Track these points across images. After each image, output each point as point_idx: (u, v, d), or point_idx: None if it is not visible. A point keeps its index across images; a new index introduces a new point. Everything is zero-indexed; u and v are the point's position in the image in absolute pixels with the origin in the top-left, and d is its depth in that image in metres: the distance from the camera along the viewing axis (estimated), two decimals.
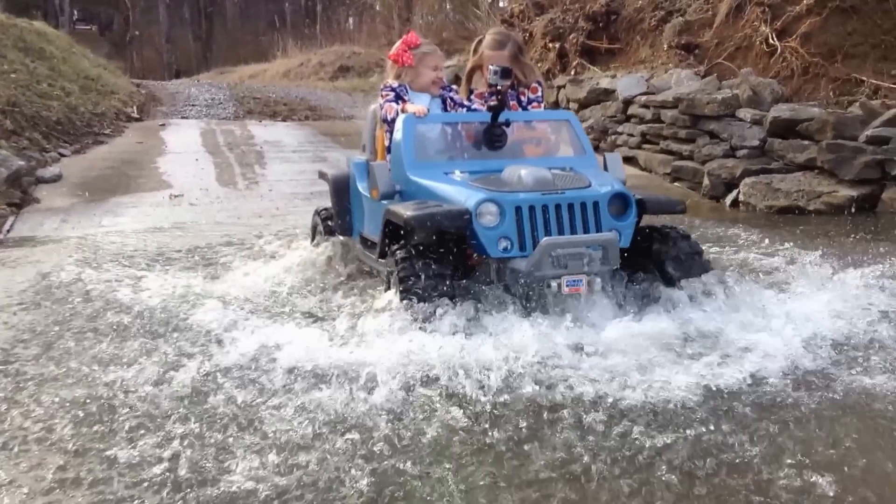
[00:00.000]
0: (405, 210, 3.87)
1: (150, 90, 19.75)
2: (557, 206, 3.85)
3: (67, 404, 3.19)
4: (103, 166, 10.25)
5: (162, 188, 8.97)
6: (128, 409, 3.12)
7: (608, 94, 10.27)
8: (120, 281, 5.02)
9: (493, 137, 4.40)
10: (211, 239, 6.42)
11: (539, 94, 4.86)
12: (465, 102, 4.81)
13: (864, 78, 8.17)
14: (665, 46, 10.23)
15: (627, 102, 9.75)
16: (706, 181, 8.21)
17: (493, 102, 4.47)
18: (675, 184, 8.74)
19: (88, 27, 44.57)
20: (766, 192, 7.54)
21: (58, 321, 4.27)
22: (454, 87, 4.89)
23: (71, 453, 2.80)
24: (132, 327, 4.13)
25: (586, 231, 3.85)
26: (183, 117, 15.90)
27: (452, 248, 3.94)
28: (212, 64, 39.25)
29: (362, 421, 2.97)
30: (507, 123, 4.41)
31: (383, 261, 4.21)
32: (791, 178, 7.55)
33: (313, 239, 5.64)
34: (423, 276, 3.72)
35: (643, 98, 9.50)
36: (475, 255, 4.01)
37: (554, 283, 3.74)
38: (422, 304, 3.64)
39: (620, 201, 3.97)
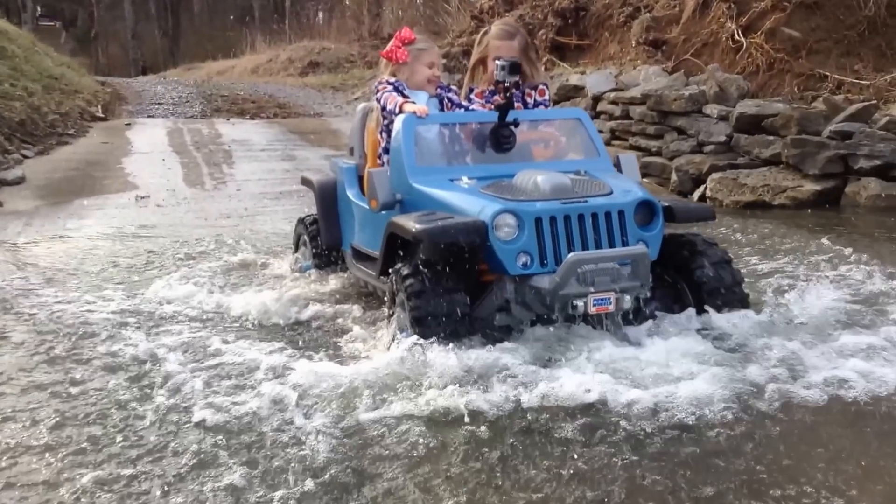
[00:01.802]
0: (413, 223, 3.48)
1: (116, 88, 19.53)
2: (580, 217, 3.50)
3: None
4: (67, 168, 10.12)
5: (128, 189, 8.88)
6: None
7: (578, 90, 10.30)
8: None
9: (500, 139, 3.99)
10: (179, 247, 6.34)
11: (546, 97, 4.46)
12: (464, 104, 4.43)
13: (827, 73, 8.26)
14: (633, 43, 10.27)
15: (597, 99, 9.79)
16: (674, 177, 8.26)
17: (498, 100, 4.11)
18: (644, 179, 8.78)
19: (52, 23, 43.90)
20: (732, 188, 7.61)
21: None
22: (453, 87, 4.54)
23: None
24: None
25: (611, 243, 3.50)
26: (149, 116, 15.74)
27: (465, 265, 3.57)
28: (179, 60, 38.88)
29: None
30: (516, 123, 3.99)
31: (384, 277, 3.89)
32: (757, 174, 7.62)
33: (296, 251, 5.35)
34: (437, 305, 3.39)
35: (612, 94, 9.53)
36: (489, 271, 3.66)
37: (580, 303, 3.39)
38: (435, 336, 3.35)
39: (646, 209, 3.63)
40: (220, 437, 2.91)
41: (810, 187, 7.29)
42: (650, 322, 3.66)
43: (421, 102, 4.24)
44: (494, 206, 3.49)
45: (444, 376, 3.19)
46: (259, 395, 3.20)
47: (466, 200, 3.63)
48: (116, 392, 3.35)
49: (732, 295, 3.74)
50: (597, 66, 10.61)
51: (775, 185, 7.44)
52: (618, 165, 4.11)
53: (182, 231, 6.76)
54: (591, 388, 3.10)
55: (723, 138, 8.05)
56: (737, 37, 8.90)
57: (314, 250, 4.98)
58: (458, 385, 3.13)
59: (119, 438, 2.94)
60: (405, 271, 3.52)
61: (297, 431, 2.92)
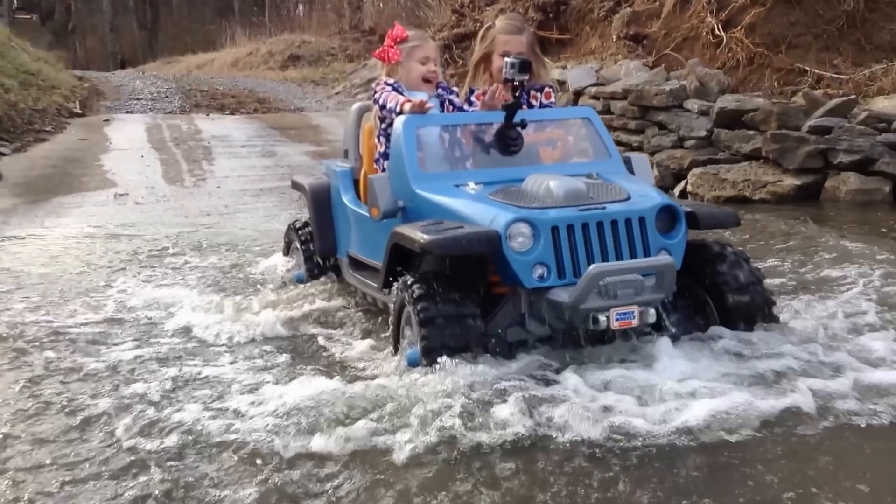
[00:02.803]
0: (420, 233, 3.24)
1: (94, 83, 19.33)
2: (599, 224, 3.27)
3: None
4: (45, 165, 10.03)
5: (106, 187, 8.81)
6: None
7: (559, 85, 10.27)
8: None
9: (507, 141, 3.74)
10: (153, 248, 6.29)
11: (552, 100, 4.20)
12: (466, 107, 4.15)
13: (806, 68, 8.30)
14: (614, 37, 10.28)
15: (578, 94, 9.78)
16: (655, 172, 8.27)
17: (505, 96, 3.86)
18: None
19: (29, 16, 43.51)
20: (713, 183, 7.64)
21: None
22: (454, 88, 4.26)
23: None
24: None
25: (632, 253, 3.28)
26: (128, 112, 15.59)
27: (476, 278, 3.36)
28: (158, 53, 38.53)
29: None
30: (524, 124, 3.75)
31: (386, 289, 3.68)
32: (737, 168, 7.65)
33: (287, 252, 5.11)
34: (447, 320, 3.17)
35: (593, 89, 9.54)
36: (500, 283, 3.43)
37: (602, 317, 3.15)
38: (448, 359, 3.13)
39: (667, 215, 3.40)
40: (191, 459, 2.76)
41: (790, 182, 7.33)
42: (669, 335, 3.44)
43: None
44: (507, 215, 3.25)
45: (452, 395, 2.99)
46: (241, 417, 3.03)
47: (475, 208, 3.39)
48: (79, 411, 3.18)
49: (759, 308, 3.52)
50: (578, 61, 10.61)
51: (756, 180, 7.47)
52: (629, 167, 3.88)
53: (162, 230, 6.70)
54: (605, 406, 2.93)
55: (703, 133, 8.08)
56: (717, 31, 8.92)
57: (306, 258, 4.74)
58: (464, 408, 2.92)
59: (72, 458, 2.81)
60: (413, 287, 3.27)
61: (279, 460, 2.73)
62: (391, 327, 3.51)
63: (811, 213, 6.71)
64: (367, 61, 20.36)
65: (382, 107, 4.00)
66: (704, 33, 9.07)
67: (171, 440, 2.89)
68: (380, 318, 4.09)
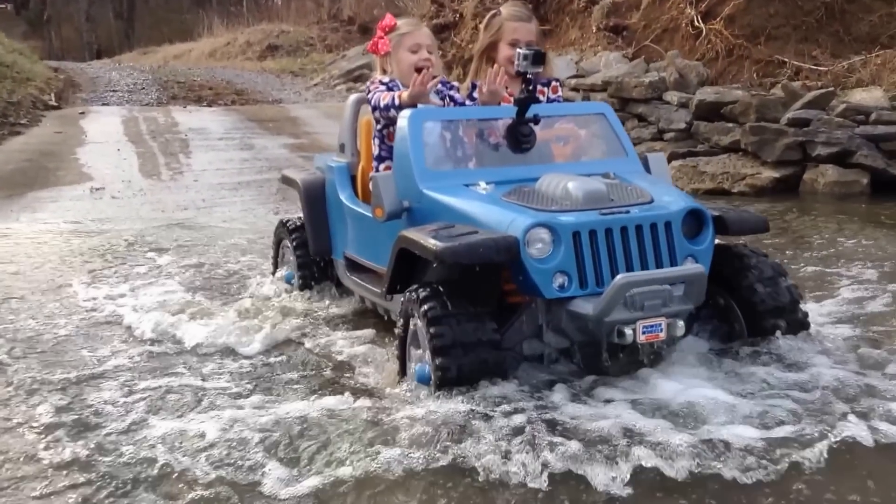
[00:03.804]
0: (431, 238, 2.98)
1: (69, 75, 19.12)
2: (623, 230, 3.04)
3: None
4: (20, 159, 9.89)
5: (82, 181, 8.70)
6: None
7: None
8: None
9: (519, 138, 3.49)
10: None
11: (559, 94, 3.97)
12: (468, 102, 3.84)
13: (785, 59, 8.32)
14: (594, 28, 10.26)
15: None
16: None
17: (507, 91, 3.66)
18: None
19: (3, 5, 42.90)
20: (692, 175, 7.65)
21: None
22: (455, 83, 3.96)
23: None
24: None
25: (658, 260, 3.06)
26: (104, 104, 15.43)
27: (489, 288, 3.14)
28: (134, 43, 38.18)
29: None
30: (537, 120, 3.49)
31: (386, 295, 3.47)
32: (716, 161, 7.67)
33: (276, 263, 4.76)
34: (462, 333, 2.92)
35: (573, 81, 9.52)
36: (515, 292, 3.18)
37: (628, 330, 2.92)
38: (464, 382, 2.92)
39: (694, 219, 3.17)
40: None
41: (769, 174, 7.35)
42: (690, 345, 3.26)
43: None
44: (525, 219, 2.99)
45: (463, 416, 2.78)
46: (209, 442, 2.77)
47: (489, 211, 3.14)
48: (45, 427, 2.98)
49: (791, 315, 3.31)
50: (557, 52, 10.58)
51: (734, 172, 7.49)
52: (646, 165, 3.65)
53: (139, 225, 6.62)
54: (627, 426, 2.72)
55: (682, 125, 8.08)
56: (696, 23, 8.94)
57: (299, 259, 4.43)
58: (477, 431, 2.70)
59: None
60: (426, 307, 2.99)
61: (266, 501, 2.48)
62: (396, 341, 3.23)
63: (792, 206, 6.73)
64: (346, 52, 20.28)
65: (376, 108, 3.74)
66: (684, 24, 9.08)
67: (135, 455, 2.71)
68: (380, 324, 3.88)
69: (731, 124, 7.73)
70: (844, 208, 6.63)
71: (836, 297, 4.28)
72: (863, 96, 7.52)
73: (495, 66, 3.70)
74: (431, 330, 2.93)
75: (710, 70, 8.51)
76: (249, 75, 19.95)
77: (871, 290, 4.36)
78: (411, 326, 3.13)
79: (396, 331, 3.22)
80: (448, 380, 2.91)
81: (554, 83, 3.95)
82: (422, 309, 2.99)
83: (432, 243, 2.94)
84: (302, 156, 9.86)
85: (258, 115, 13.42)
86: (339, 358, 3.60)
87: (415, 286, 3.12)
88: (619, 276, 2.89)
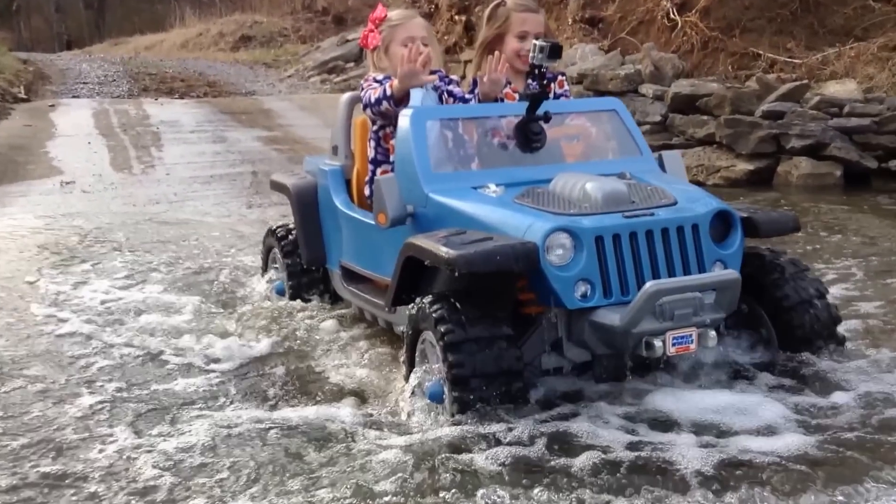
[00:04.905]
0: (442, 246, 2.76)
1: (39, 67, 18.81)
2: (648, 234, 2.85)
3: None
4: None
5: (52, 175, 8.57)
6: None
7: None
8: None
9: (529, 136, 3.27)
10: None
11: (566, 88, 3.76)
12: (468, 96, 3.59)
13: (760, 52, 8.35)
14: (570, 20, 10.24)
15: None
16: None
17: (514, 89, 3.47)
18: None
19: None
20: None
21: None
22: (454, 77, 3.72)
23: None
24: None
25: (685, 266, 2.87)
26: (74, 96, 15.20)
27: (505, 299, 2.94)
28: (105, 34, 37.65)
29: None
30: (547, 117, 3.27)
31: (391, 307, 3.27)
32: (691, 153, 7.69)
33: (265, 270, 4.51)
34: (489, 383, 2.72)
35: None
36: (531, 302, 2.99)
37: (657, 342, 2.74)
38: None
39: (721, 221, 2.99)
40: None
41: (743, 167, 7.39)
42: (717, 355, 3.09)
43: (414, 100, 3.37)
44: (544, 224, 2.78)
45: (480, 448, 2.58)
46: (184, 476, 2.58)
47: (502, 215, 2.93)
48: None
49: (825, 327, 3.14)
50: None
51: (709, 164, 7.53)
52: (661, 164, 3.45)
53: (110, 219, 6.53)
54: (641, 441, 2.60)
55: (658, 118, 8.09)
56: (672, 15, 8.94)
57: (289, 268, 4.17)
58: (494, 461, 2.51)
59: None
60: (442, 327, 2.76)
61: None
62: (404, 355, 3.04)
63: (766, 199, 6.76)
64: (320, 43, 20.12)
65: (367, 105, 3.48)
66: (659, 17, 9.09)
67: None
68: (381, 339, 3.67)
69: (706, 117, 7.76)
70: (819, 200, 6.67)
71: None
72: (836, 89, 7.57)
73: (496, 53, 3.47)
74: (450, 357, 2.72)
75: (685, 63, 8.53)
76: (222, 67, 19.72)
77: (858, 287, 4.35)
78: (421, 342, 2.93)
79: (403, 351, 3.04)
80: (466, 410, 2.72)
81: (560, 78, 3.75)
82: (438, 329, 2.76)
83: (444, 251, 2.73)
84: (276, 149, 9.78)
85: (231, 108, 13.26)
86: (336, 377, 3.35)
87: (426, 299, 2.90)
88: (649, 284, 2.71)
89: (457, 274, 2.72)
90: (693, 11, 8.80)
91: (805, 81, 7.66)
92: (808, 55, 8.14)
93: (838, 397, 2.91)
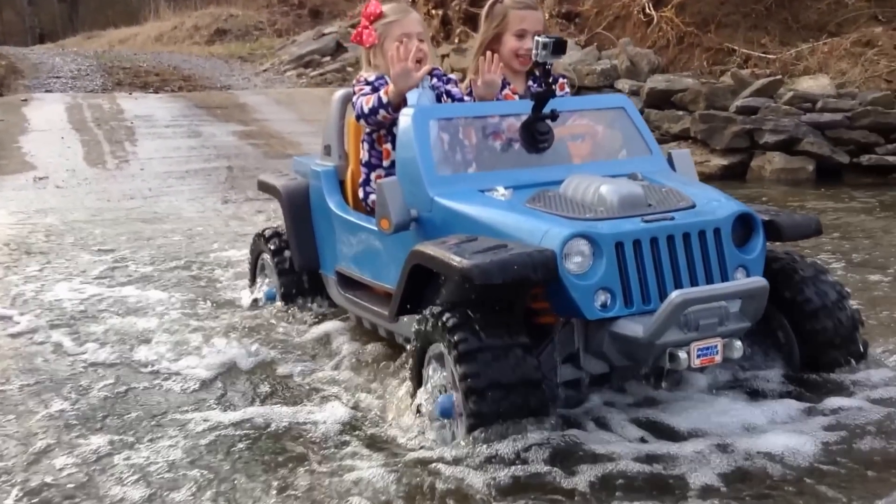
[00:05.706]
0: (453, 254, 2.60)
1: (11, 61, 18.53)
2: (669, 239, 2.69)
3: None
4: None
5: (25, 170, 8.51)
6: None
7: None
8: None
9: (536, 136, 3.12)
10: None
11: (566, 90, 3.62)
12: (466, 98, 3.44)
13: (735, 47, 8.41)
14: (547, 15, 10.25)
15: None
16: None
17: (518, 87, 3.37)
18: None
19: None
20: None
21: None
22: (452, 76, 3.58)
23: None
24: None
25: (708, 272, 2.72)
26: (47, 91, 15.02)
27: (518, 308, 2.79)
28: (78, 27, 37.20)
29: None
30: (554, 116, 3.11)
31: (395, 317, 3.11)
32: (666, 149, 7.70)
33: (253, 278, 4.29)
34: (507, 395, 2.55)
35: None
36: (546, 312, 2.84)
37: (682, 354, 2.60)
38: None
39: (742, 225, 2.83)
40: None
41: (717, 162, 7.46)
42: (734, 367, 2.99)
43: (411, 102, 3.21)
44: (562, 230, 2.62)
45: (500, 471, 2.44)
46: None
47: (515, 220, 2.77)
48: None
49: (848, 336, 3.01)
50: None
51: None
52: (670, 164, 3.31)
53: (84, 215, 6.48)
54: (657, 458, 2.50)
55: None
56: (648, 10, 8.98)
57: (280, 273, 3.99)
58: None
59: None
60: (454, 327, 2.60)
61: None
62: (409, 372, 2.88)
63: (741, 194, 6.81)
64: (296, 36, 20.01)
65: (360, 116, 3.32)
66: (635, 12, 9.12)
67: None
68: (375, 345, 3.52)
69: (681, 112, 7.82)
70: (797, 195, 6.74)
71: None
72: (810, 84, 7.64)
73: (488, 54, 3.32)
74: (464, 368, 2.55)
75: (661, 58, 8.57)
76: (197, 60, 19.55)
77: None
78: (429, 355, 2.77)
79: (409, 360, 2.88)
80: (482, 425, 2.55)
81: (561, 80, 3.59)
82: (451, 339, 2.60)
83: (457, 260, 2.55)
84: (252, 144, 9.73)
85: (206, 102, 13.16)
86: (332, 389, 3.18)
87: (436, 308, 2.73)
88: (674, 293, 2.54)
89: (468, 285, 2.58)
90: (669, 7, 8.84)
91: (779, 77, 7.73)
92: (782, 50, 8.21)
93: (852, 403, 2.83)
